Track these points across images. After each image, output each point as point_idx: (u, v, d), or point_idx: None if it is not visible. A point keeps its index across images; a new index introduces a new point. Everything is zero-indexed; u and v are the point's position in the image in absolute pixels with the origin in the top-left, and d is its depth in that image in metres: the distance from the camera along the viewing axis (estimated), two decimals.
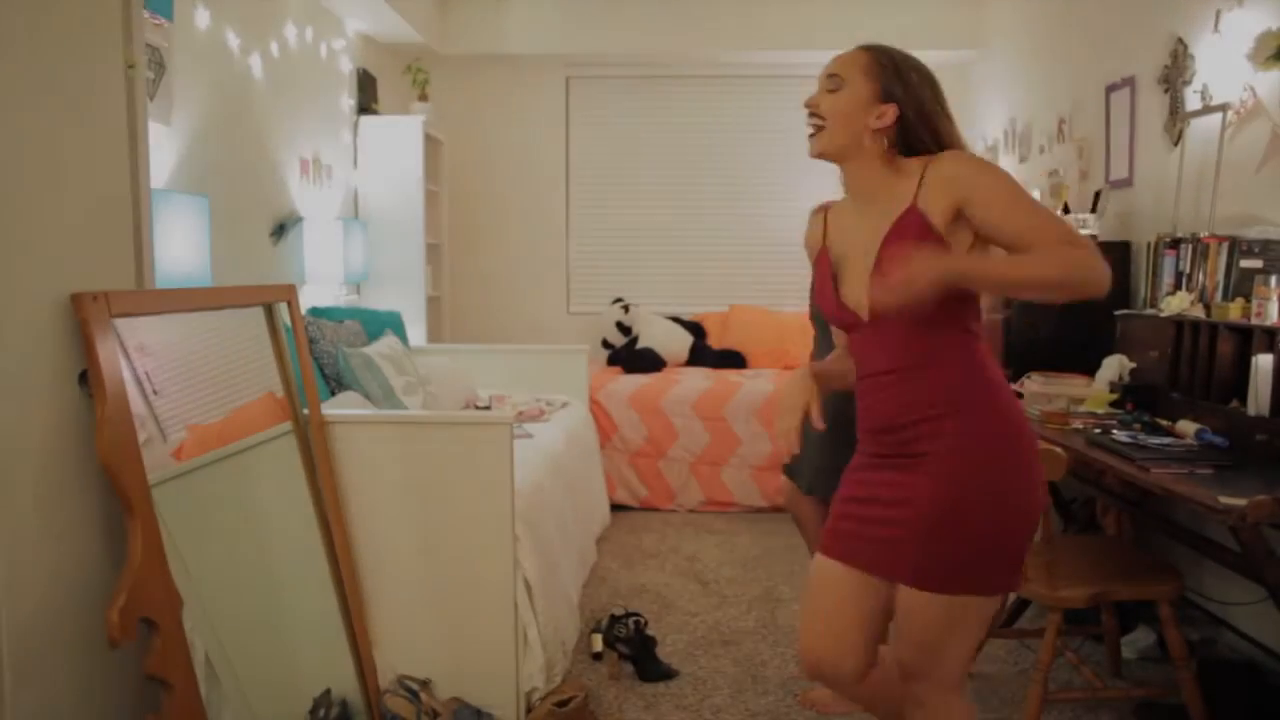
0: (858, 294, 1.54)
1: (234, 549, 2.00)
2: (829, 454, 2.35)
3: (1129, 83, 3.43)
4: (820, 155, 1.55)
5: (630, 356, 4.97)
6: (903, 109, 1.49)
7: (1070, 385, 2.87)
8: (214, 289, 2.30)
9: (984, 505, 1.44)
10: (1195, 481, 1.99)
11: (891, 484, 1.51)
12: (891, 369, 1.52)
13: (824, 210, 1.68)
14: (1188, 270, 2.78)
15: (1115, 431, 2.44)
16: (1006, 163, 4.62)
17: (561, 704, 2.31)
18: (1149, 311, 2.91)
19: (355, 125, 4.57)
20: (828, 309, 1.61)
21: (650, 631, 2.76)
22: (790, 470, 2.52)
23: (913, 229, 1.46)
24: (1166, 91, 3.19)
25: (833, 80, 1.52)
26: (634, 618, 2.73)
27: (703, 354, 5.20)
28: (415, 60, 5.03)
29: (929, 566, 1.46)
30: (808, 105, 1.54)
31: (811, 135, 1.54)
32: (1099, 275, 1.35)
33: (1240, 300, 2.49)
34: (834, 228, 1.63)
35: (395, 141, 4.58)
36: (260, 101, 3.53)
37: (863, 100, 1.49)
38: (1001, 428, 1.48)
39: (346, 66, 4.45)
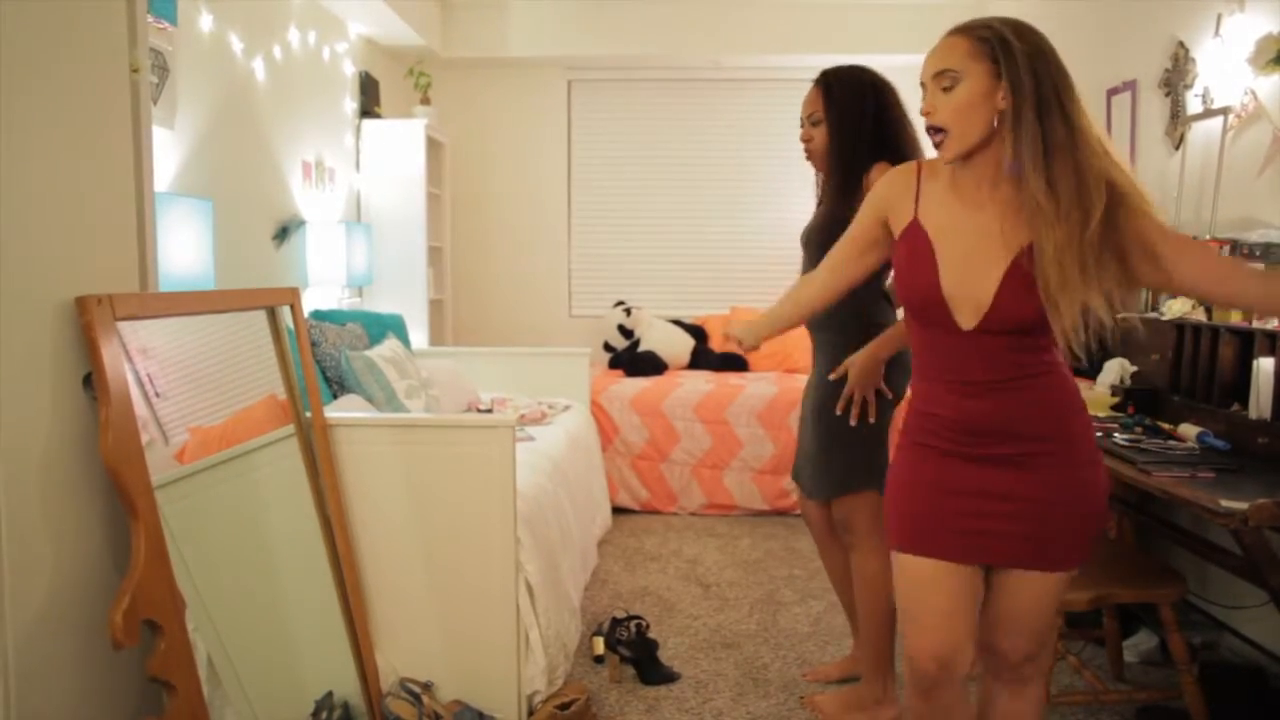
0: (960, 297, 1.47)
1: (236, 551, 2.00)
2: (820, 454, 2.36)
3: (1130, 86, 3.43)
4: (953, 161, 1.47)
5: (632, 359, 4.98)
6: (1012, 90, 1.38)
7: None
8: (217, 292, 2.30)
9: (1080, 498, 1.52)
10: (1197, 485, 1.99)
11: (996, 479, 1.52)
12: (988, 380, 1.49)
13: (918, 170, 1.56)
14: None
15: (1116, 435, 2.43)
16: None
17: (563, 707, 2.32)
18: (1150, 314, 2.91)
19: (357, 128, 4.58)
20: (922, 296, 1.50)
21: (652, 634, 2.76)
22: (794, 473, 2.52)
23: (1024, 280, 1.42)
24: (1167, 95, 3.20)
25: (946, 77, 1.42)
26: (635, 621, 2.73)
27: (704, 357, 5.20)
28: (417, 63, 5.04)
29: (1047, 549, 1.52)
30: (924, 115, 1.46)
31: (938, 145, 1.46)
32: None
33: None
34: (929, 200, 1.52)
35: (397, 144, 4.59)
36: (263, 105, 3.54)
37: (982, 89, 1.40)
38: (1089, 439, 1.54)
39: (349, 70, 4.47)
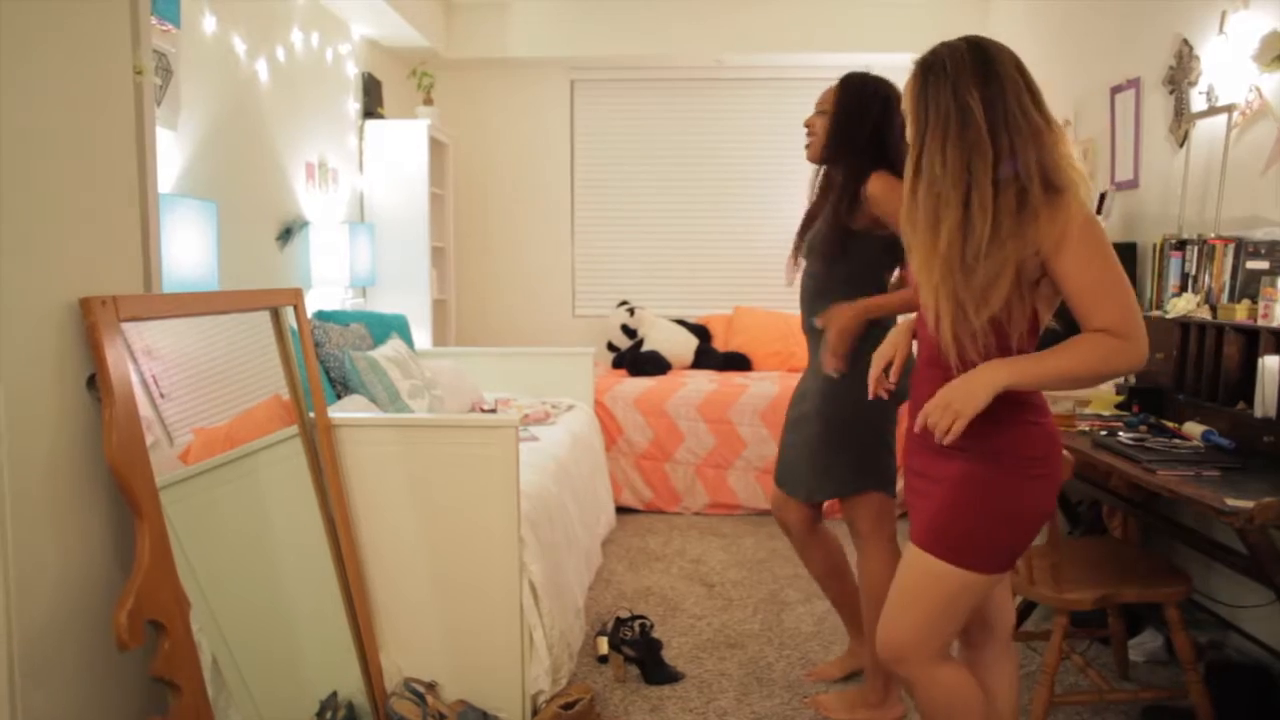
0: None
1: (240, 552, 2.00)
2: (820, 456, 2.35)
3: (1134, 84, 3.42)
4: None
5: (635, 359, 4.97)
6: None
7: None
8: (221, 293, 2.31)
9: (983, 501, 1.55)
10: (1202, 484, 1.98)
11: (933, 465, 1.61)
12: (934, 365, 1.58)
13: None
14: (1194, 272, 2.78)
15: (1121, 434, 2.43)
16: None
17: (567, 706, 2.32)
18: (1155, 313, 2.90)
19: (361, 129, 4.59)
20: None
21: (656, 634, 2.76)
22: (780, 479, 2.50)
23: None
24: (1172, 93, 3.19)
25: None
26: (639, 620, 2.73)
27: (708, 357, 5.20)
28: (420, 64, 5.05)
29: (928, 528, 1.59)
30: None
31: None
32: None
33: (1246, 301, 2.49)
34: None
35: (400, 145, 4.60)
36: (266, 106, 3.54)
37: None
38: (1010, 447, 1.54)
39: (352, 71, 4.47)
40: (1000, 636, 1.78)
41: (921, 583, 1.58)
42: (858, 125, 2.24)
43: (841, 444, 2.31)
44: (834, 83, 2.34)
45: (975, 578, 1.54)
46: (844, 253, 2.28)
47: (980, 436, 1.50)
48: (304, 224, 3.85)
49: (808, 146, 2.37)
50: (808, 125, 2.37)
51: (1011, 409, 1.50)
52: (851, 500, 2.34)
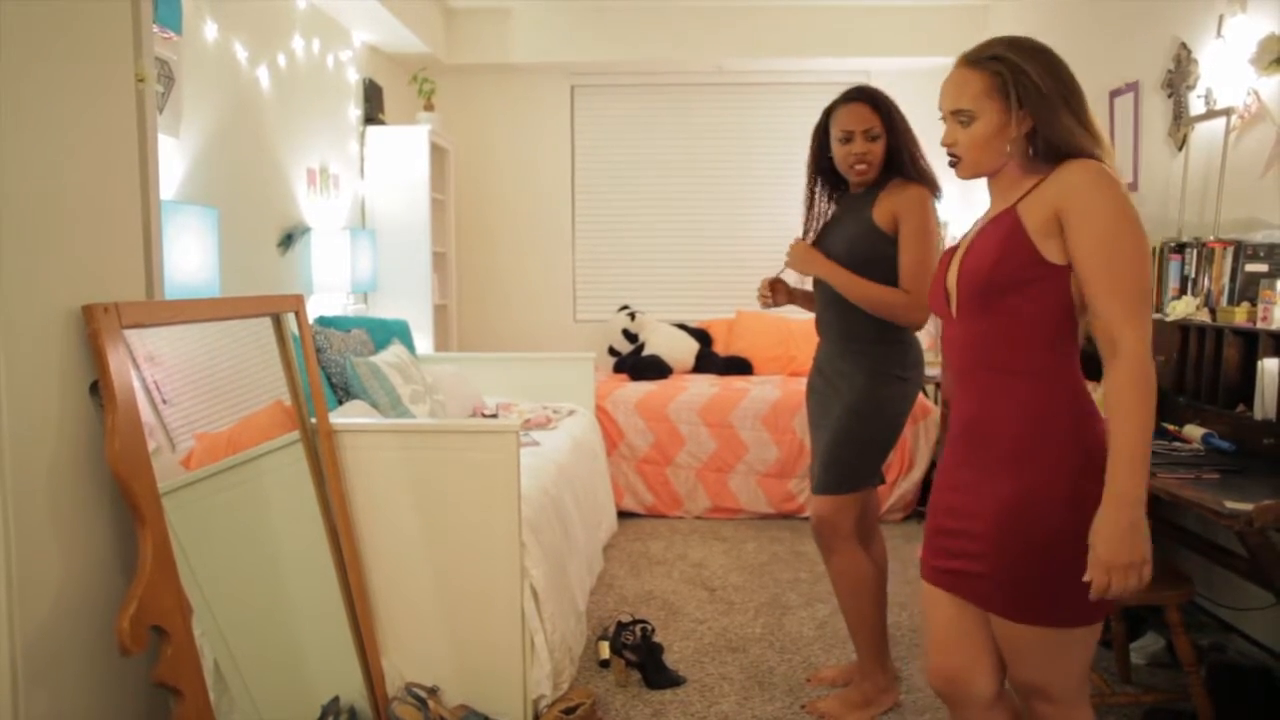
0: (952, 284, 1.52)
1: (242, 557, 2.01)
2: (837, 450, 2.36)
3: (1132, 88, 3.43)
4: (970, 179, 1.55)
5: (637, 364, 4.98)
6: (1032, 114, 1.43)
7: None
8: (222, 299, 2.31)
9: (1052, 516, 1.39)
10: (1201, 487, 1.99)
11: (960, 499, 1.49)
12: (966, 368, 1.51)
13: None
14: (1193, 275, 2.78)
15: None
16: None
17: (569, 711, 2.32)
18: (1155, 316, 2.90)
19: (362, 135, 4.60)
20: (932, 293, 1.60)
21: (657, 639, 2.76)
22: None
23: (1003, 228, 1.44)
24: (1170, 96, 3.20)
25: (964, 115, 1.47)
26: (641, 625, 2.73)
27: (709, 361, 5.20)
28: (421, 70, 5.06)
29: (1009, 592, 1.41)
30: (944, 145, 1.52)
31: (952, 165, 1.53)
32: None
33: (1246, 304, 2.49)
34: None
35: (402, 151, 4.61)
36: (268, 113, 3.55)
37: (995, 125, 1.45)
38: (1073, 458, 1.39)
39: (353, 77, 4.48)
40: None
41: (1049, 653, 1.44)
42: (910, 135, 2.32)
43: (859, 443, 2.33)
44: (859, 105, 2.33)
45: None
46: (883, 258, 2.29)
47: (1016, 460, 1.41)
48: (305, 230, 3.86)
49: (865, 171, 2.33)
50: (863, 154, 2.33)
51: (1037, 435, 1.41)
52: (838, 499, 2.34)
